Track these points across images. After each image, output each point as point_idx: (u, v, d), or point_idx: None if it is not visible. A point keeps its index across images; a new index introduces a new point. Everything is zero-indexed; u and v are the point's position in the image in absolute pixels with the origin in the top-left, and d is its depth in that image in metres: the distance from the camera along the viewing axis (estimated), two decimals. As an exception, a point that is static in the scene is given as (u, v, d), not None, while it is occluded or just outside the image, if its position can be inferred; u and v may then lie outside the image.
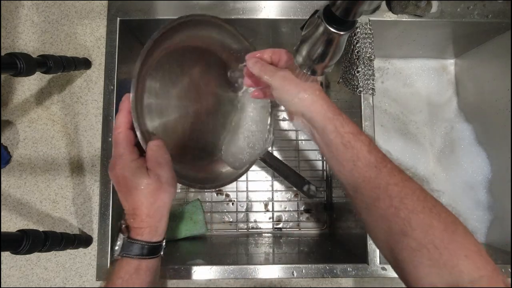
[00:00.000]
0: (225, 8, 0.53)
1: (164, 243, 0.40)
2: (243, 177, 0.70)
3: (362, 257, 0.51)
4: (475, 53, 0.68)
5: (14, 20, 0.61)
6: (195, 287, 0.57)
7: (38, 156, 0.60)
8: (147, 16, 0.53)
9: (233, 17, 0.53)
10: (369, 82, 0.52)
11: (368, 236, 0.51)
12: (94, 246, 0.57)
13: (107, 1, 0.55)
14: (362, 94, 0.52)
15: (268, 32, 0.59)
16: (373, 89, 0.52)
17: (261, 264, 0.51)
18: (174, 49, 0.45)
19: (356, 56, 0.52)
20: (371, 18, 0.53)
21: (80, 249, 0.57)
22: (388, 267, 0.50)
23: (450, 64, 0.74)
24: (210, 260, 0.52)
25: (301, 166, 0.71)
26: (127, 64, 0.55)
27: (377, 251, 0.50)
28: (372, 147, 0.35)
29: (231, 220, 0.69)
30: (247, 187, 0.70)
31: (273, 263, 0.52)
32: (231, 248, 0.62)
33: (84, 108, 0.60)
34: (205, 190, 0.70)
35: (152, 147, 0.39)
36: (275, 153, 0.70)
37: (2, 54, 0.45)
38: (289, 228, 0.69)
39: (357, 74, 0.52)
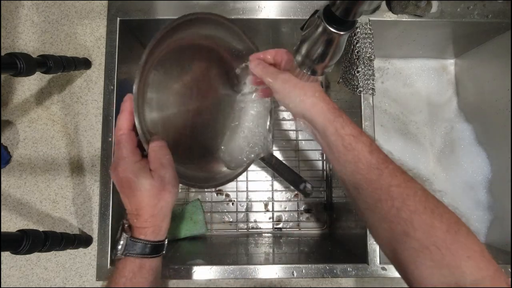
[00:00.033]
0: (225, 8, 0.53)
1: (166, 242, 0.40)
2: (243, 177, 0.70)
3: (362, 257, 0.51)
4: (475, 53, 0.68)
5: (14, 20, 0.61)
6: (195, 287, 0.57)
7: (38, 156, 0.60)
8: (147, 16, 0.53)
9: (233, 17, 0.53)
10: (369, 82, 0.52)
11: (368, 236, 0.51)
12: (94, 246, 0.57)
13: (107, 1, 0.55)
14: (362, 94, 0.52)
15: (268, 32, 0.59)
16: (373, 89, 0.52)
17: (261, 264, 0.51)
18: (176, 47, 0.45)
19: (356, 56, 0.52)
20: (371, 18, 0.53)
21: (80, 249, 0.57)
22: (388, 267, 0.50)
23: (450, 64, 0.74)
24: (210, 260, 0.52)
25: (301, 166, 0.71)
26: (127, 64, 0.55)
27: (377, 251, 0.50)
28: (373, 148, 0.35)
29: (231, 220, 0.69)
30: (247, 187, 0.70)
31: (273, 263, 0.52)
32: (231, 248, 0.62)
33: (84, 108, 0.60)
34: (205, 190, 0.70)
35: (154, 148, 0.39)
36: (275, 153, 0.70)
37: (2, 54, 0.45)
38: (289, 228, 0.69)
39: (357, 74, 0.52)
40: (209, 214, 0.69)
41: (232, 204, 0.70)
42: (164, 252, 0.40)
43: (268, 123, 0.56)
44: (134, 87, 0.38)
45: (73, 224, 0.58)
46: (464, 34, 0.60)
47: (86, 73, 0.61)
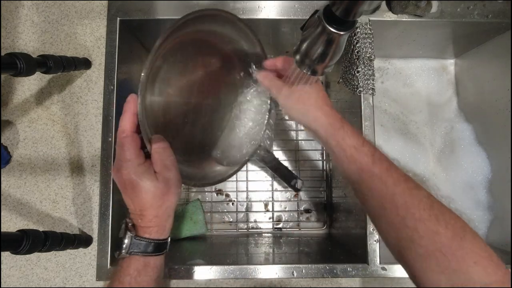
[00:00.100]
0: (225, 8, 0.53)
1: (169, 240, 0.40)
2: (243, 177, 0.70)
3: (362, 257, 0.51)
4: (475, 53, 0.68)
5: (14, 20, 0.61)
6: (195, 287, 0.57)
7: (38, 156, 0.60)
8: (147, 16, 0.53)
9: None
10: (369, 82, 0.52)
11: (368, 236, 0.51)
12: (94, 246, 0.57)
13: (107, 1, 0.55)
14: (362, 94, 0.52)
15: (268, 32, 0.59)
16: (373, 89, 0.52)
17: (261, 264, 0.51)
18: (181, 42, 0.45)
19: (356, 56, 0.52)
20: (371, 18, 0.53)
21: (80, 249, 0.57)
22: (388, 267, 0.50)
23: (450, 64, 0.74)
24: (210, 260, 0.52)
25: (301, 166, 0.71)
26: (127, 64, 0.55)
27: (377, 251, 0.50)
28: (376, 158, 0.36)
29: (231, 220, 0.69)
30: (247, 187, 0.70)
31: (273, 263, 0.52)
32: (231, 248, 0.62)
33: (84, 108, 0.60)
34: (205, 190, 0.70)
35: (157, 149, 0.38)
36: (275, 153, 0.70)
37: (2, 54, 0.45)
38: (289, 228, 0.69)
39: (357, 74, 0.52)
40: (209, 214, 0.69)
41: (232, 204, 0.70)
42: (167, 250, 0.40)
43: (265, 121, 0.56)
44: (139, 98, 0.37)
45: (73, 224, 0.59)
46: (464, 34, 0.60)
47: (86, 73, 0.61)
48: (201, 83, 0.51)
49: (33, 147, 0.60)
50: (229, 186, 0.70)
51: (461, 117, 0.71)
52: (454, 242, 0.30)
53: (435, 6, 0.53)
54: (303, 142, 0.72)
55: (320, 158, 0.72)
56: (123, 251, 0.36)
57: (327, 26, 0.30)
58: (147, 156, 0.39)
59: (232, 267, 0.50)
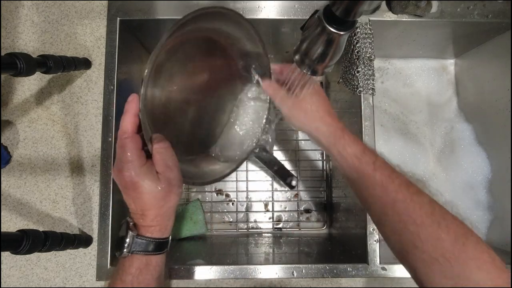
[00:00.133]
0: (225, 8, 0.53)
1: (170, 238, 0.40)
2: (243, 177, 0.70)
3: (362, 257, 0.51)
4: (475, 53, 0.68)
5: (14, 20, 0.61)
6: (195, 287, 0.57)
7: (38, 156, 0.60)
8: (147, 16, 0.53)
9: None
10: (369, 82, 0.52)
11: (368, 236, 0.51)
12: (94, 246, 0.57)
13: (107, 1, 0.55)
14: (362, 94, 0.52)
15: (268, 32, 0.58)
16: (373, 89, 0.52)
17: (261, 264, 0.51)
18: (182, 42, 0.45)
19: (356, 56, 0.52)
20: (371, 18, 0.53)
21: (80, 249, 0.57)
22: (388, 267, 0.50)
23: (450, 64, 0.74)
24: (210, 260, 0.52)
25: (301, 166, 0.71)
26: (127, 64, 0.55)
27: (377, 251, 0.50)
28: (377, 166, 0.36)
29: (231, 220, 0.69)
30: (247, 187, 0.70)
31: (273, 263, 0.52)
32: (231, 248, 0.62)
33: (84, 108, 0.60)
34: (205, 190, 0.70)
35: (159, 150, 0.38)
36: (275, 153, 0.70)
37: (2, 54, 0.45)
38: (289, 228, 0.69)
39: (357, 74, 0.52)
40: (209, 214, 0.69)
41: (232, 204, 0.70)
42: (168, 248, 0.40)
43: (264, 120, 0.56)
44: (141, 99, 0.37)
45: (73, 224, 0.58)
46: (464, 34, 0.60)
47: (86, 73, 0.61)
48: (202, 81, 0.51)
49: (33, 147, 0.60)
50: (229, 186, 0.70)
51: (461, 117, 0.71)
52: (456, 247, 0.30)
53: (435, 6, 0.53)
54: (303, 142, 0.72)
55: (320, 158, 0.72)
56: (125, 250, 0.36)
57: (327, 26, 0.30)
58: (148, 155, 0.38)
59: (232, 267, 0.50)
